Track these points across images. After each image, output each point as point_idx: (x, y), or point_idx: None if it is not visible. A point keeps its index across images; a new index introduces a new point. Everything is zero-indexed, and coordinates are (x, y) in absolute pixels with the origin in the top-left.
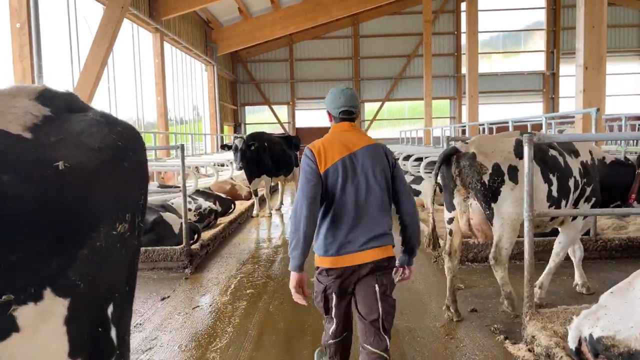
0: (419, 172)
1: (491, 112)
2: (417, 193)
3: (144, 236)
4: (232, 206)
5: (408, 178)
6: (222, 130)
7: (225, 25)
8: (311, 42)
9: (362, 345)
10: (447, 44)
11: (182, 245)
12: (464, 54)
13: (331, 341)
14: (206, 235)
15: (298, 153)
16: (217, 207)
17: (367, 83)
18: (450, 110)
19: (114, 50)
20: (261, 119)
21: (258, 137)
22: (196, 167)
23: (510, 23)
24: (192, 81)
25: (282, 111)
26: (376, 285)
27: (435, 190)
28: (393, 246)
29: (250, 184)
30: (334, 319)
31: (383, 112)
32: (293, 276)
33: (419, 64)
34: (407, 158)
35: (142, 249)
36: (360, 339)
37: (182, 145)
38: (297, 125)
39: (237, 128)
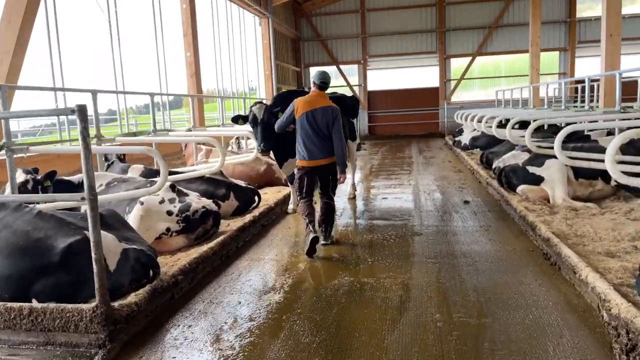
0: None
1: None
2: (537, 180)
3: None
4: (256, 198)
5: (522, 156)
6: None
7: None
8: None
9: (320, 199)
10: None
11: (94, 304)
12: None
13: (302, 203)
14: (170, 266)
15: (356, 121)
16: (212, 207)
17: (454, 35)
18: (560, 65)
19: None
20: None
21: (288, 98)
22: (236, 139)
23: None
24: (243, 41)
25: (353, 72)
26: (329, 176)
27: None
28: (333, 156)
29: (281, 168)
30: (304, 192)
31: (473, 70)
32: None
33: (520, 8)
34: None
35: (26, 306)
36: (320, 197)
37: (82, 108)
38: (370, 87)
39: None
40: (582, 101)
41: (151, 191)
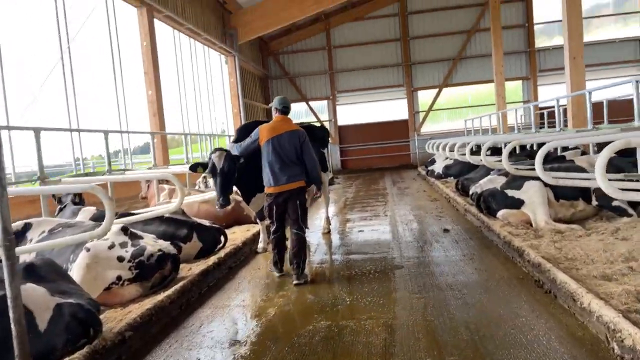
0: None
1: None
2: (517, 204)
3: None
4: (222, 239)
5: (498, 180)
6: None
7: (245, 6)
8: (351, 24)
9: (291, 231)
10: (515, 13)
11: None
12: (537, 23)
13: (272, 236)
14: (118, 321)
15: (326, 152)
16: (171, 249)
17: (420, 68)
18: (523, 93)
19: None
20: (298, 118)
21: (252, 129)
22: (203, 177)
23: None
24: (209, 79)
25: (322, 107)
26: (297, 202)
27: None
28: (304, 180)
29: (249, 204)
30: (274, 221)
31: (440, 101)
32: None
33: (482, 40)
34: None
35: None
36: (290, 228)
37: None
38: (340, 122)
39: None
40: (550, 126)
41: (94, 235)
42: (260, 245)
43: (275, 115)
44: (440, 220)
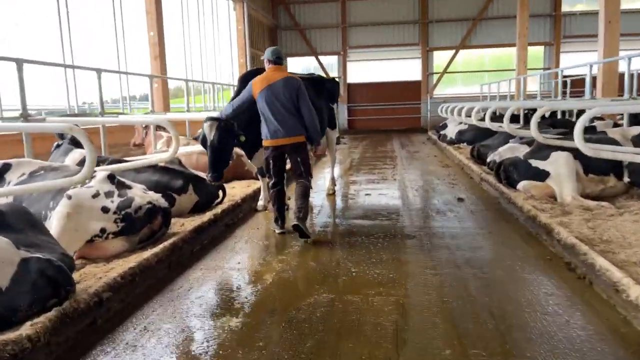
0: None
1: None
2: (542, 175)
3: None
4: (220, 193)
5: (521, 149)
6: None
7: None
8: None
9: (296, 182)
10: None
11: None
12: None
13: (271, 190)
14: (98, 279)
15: (335, 107)
16: (162, 202)
17: (437, 27)
18: (544, 60)
19: None
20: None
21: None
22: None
23: None
24: (215, 26)
25: (332, 63)
26: (298, 158)
27: None
28: (304, 135)
29: (250, 159)
30: (272, 175)
31: (456, 64)
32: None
33: (505, 1)
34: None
35: None
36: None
37: None
38: (350, 80)
39: None
40: (573, 95)
41: (74, 181)
42: (261, 203)
43: (267, 67)
44: (454, 188)
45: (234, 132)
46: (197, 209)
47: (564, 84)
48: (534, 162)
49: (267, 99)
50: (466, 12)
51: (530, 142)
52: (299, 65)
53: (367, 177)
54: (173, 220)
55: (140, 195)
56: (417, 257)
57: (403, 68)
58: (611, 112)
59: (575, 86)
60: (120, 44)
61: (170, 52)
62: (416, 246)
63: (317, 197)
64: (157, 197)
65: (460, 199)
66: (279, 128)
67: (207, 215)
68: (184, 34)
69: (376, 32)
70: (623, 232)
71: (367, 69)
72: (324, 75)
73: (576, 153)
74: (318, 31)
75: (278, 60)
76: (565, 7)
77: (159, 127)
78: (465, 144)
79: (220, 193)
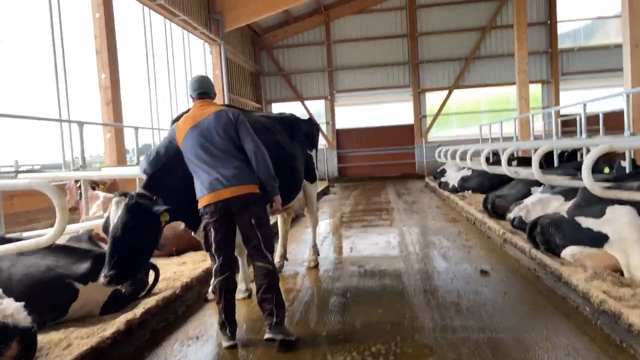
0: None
1: None
2: (598, 239)
3: None
4: (151, 279)
5: (555, 202)
6: None
7: None
8: (353, 17)
9: (252, 264)
10: (537, 8)
11: None
12: (560, 21)
13: (216, 279)
14: None
15: (314, 154)
16: (20, 320)
17: (428, 67)
18: (543, 98)
19: None
20: None
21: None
22: None
23: None
24: (187, 70)
25: (319, 108)
26: (251, 218)
27: None
28: (256, 184)
29: (195, 232)
30: (216, 253)
31: (450, 105)
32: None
33: (499, 39)
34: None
35: None
36: (252, 262)
37: None
38: (338, 125)
39: None
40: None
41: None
42: (211, 289)
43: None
44: (470, 253)
45: (150, 211)
46: (116, 304)
47: (563, 123)
48: (585, 222)
49: (196, 142)
50: (458, 51)
51: (564, 192)
52: (285, 111)
53: (360, 238)
54: (56, 334)
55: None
56: None
57: (394, 111)
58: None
59: (589, 124)
60: (61, 88)
61: (129, 95)
62: None
63: (290, 275)
64: (13, 310)
65: (483, 272)
66: (218, 176)
67: (118, 323)
68: (149, 79)
69: (364, 75)
70: None
71: (356, 114)
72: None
73: None
74: (303, 75)
75: (203, 94)
76: (562, 44)
77: (95, 185)
78: (470, 192)
79: (151, 278)
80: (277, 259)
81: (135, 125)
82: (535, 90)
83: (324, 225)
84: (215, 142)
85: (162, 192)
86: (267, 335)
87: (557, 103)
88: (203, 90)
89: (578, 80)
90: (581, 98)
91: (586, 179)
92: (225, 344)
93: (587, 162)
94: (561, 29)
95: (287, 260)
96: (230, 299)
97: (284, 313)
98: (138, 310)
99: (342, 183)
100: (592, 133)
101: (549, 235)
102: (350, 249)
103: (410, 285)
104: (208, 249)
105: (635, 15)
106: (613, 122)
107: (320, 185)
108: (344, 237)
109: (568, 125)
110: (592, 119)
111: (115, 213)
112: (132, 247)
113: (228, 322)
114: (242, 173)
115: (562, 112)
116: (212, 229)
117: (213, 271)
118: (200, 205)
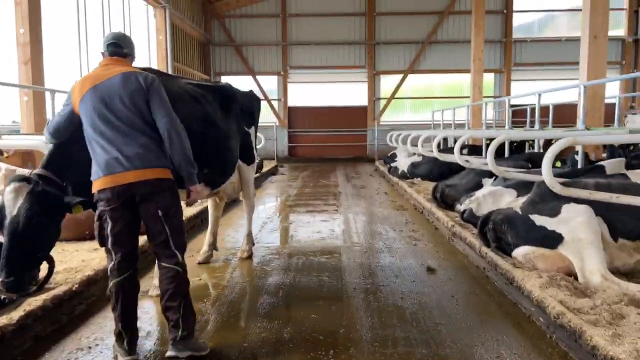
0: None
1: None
2: (552, 240)
3: None
4: (38, 274)
5: (507, 196)
6: None
7: None
8: None
9: (157, 264)
10: None
11: None
12: (516, 11)
13: (112, 281)
14: None
15: (253, 132)
16: None
17: (385, 49)
18: (495, 88)
19: None
20: None
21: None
22: None
23: None
24: (127, 30)
25: (271, 84)
26: (157, 209)
27: None
28: (167, 167)
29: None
30: (113, 250)
31: (404, 89)
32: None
33: (456, 24)
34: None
35: None
36: (156, 262)
37: None
38: (290, 103)
39: None
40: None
41: None
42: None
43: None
44: (417, 246)
45: (60, 203)
46: None
47: (532, 112)
48: (539, 220)
49: (93, 109)
50: (416, 34)
51: (517, 185)
52: (235, 85)
53: (302, 226)
54: None
55: None
56: None
57: (349, 92)
58: (597, 142)
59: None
60: None
61: (60, 61)
62: None
63: (218, 266)
64: None
65: (430, 269)
66: (118, 155)
67: None
68: (79, 40)
69: (320, 52)
70: None
71: (310, 92)
72: (262, 97)
73: (605, 208)
74: (256, 48)
75: (115, 50)
76: (516, 34)
77: None
78: (419, 178)
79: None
80: (205, 247)
81: (53, 88)
82: (488, 79)
83: (268, 208)
84: (118, 112)
85: (67, 172)
86: (169, 353)
87: (508, 93)
88: (115, 43)
89: (529, 72)
90: (531, 89)
91: (546, 175)
92: (121, 359)
93: (549, 155)
94: (515, 21)
95: (216, 250)
96: (129, 303)
97: (193, 324)
98: (17, 314)
99: (291, 163)
100: (542, 125)
101: (501, 232)
102: (291, 237)
103: (351, 282)
104: (103, 244)
105: (596, 6)
106: (561, 114)
107: (269, 165)
108: (286, 223)
109: (517, 116)
110: (541, 111)
111: (12, 203)
112: (34, 244)
113: (126, 332)
114: (149, 153)
115: (512, 102)
116: (108, 219)
117: (108, 270)
118: (94, 189)
